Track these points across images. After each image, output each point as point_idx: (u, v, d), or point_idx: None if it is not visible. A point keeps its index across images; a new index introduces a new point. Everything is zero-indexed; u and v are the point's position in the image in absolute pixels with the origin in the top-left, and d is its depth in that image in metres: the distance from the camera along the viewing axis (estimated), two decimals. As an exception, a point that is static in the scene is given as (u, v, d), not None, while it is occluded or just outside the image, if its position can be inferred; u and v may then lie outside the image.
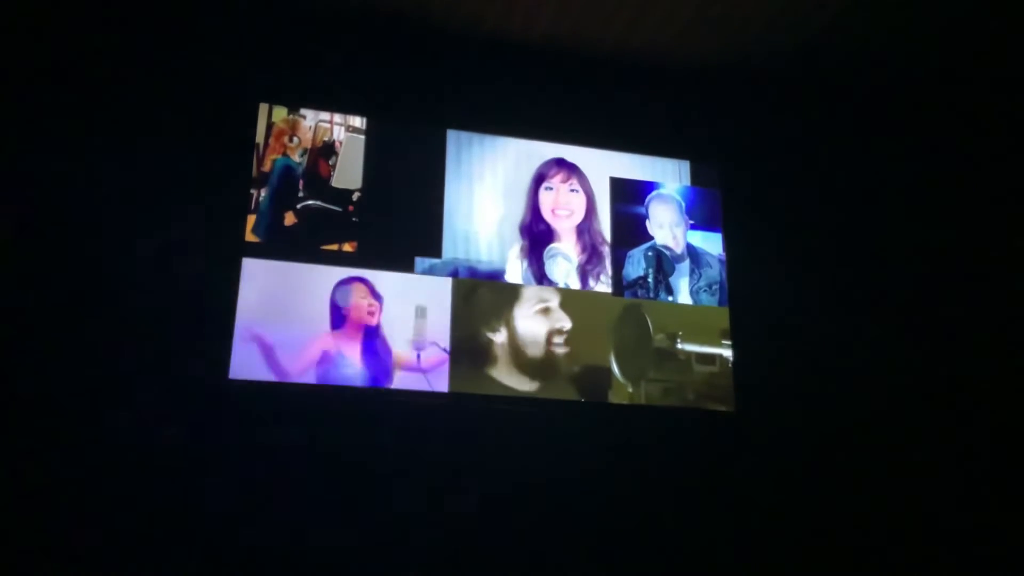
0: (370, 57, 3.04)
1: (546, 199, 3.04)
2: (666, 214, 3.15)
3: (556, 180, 3.05)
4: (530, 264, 2.96)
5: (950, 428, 3.11)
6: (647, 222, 3.13)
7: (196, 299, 2.62)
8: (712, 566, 2.79)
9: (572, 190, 3.06)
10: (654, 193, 3.16)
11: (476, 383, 2.78)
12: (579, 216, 3.05)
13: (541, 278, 2.95)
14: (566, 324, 2.91)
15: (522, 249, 2.97)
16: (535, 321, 2.90)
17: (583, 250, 3.02)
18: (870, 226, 3.34)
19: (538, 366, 2.85)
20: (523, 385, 2.82)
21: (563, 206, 3.04)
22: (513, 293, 2.91)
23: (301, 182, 2.83)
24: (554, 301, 2.93)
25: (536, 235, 3.00)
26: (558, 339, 2.89)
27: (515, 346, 2.85)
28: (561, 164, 3.09)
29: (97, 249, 2.60)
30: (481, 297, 2.87)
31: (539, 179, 3.05)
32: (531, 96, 3.18)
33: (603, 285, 3.01)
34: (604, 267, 3.02)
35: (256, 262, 2.70)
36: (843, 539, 2.92)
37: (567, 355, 2.88)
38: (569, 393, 2.85)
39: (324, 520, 2.54)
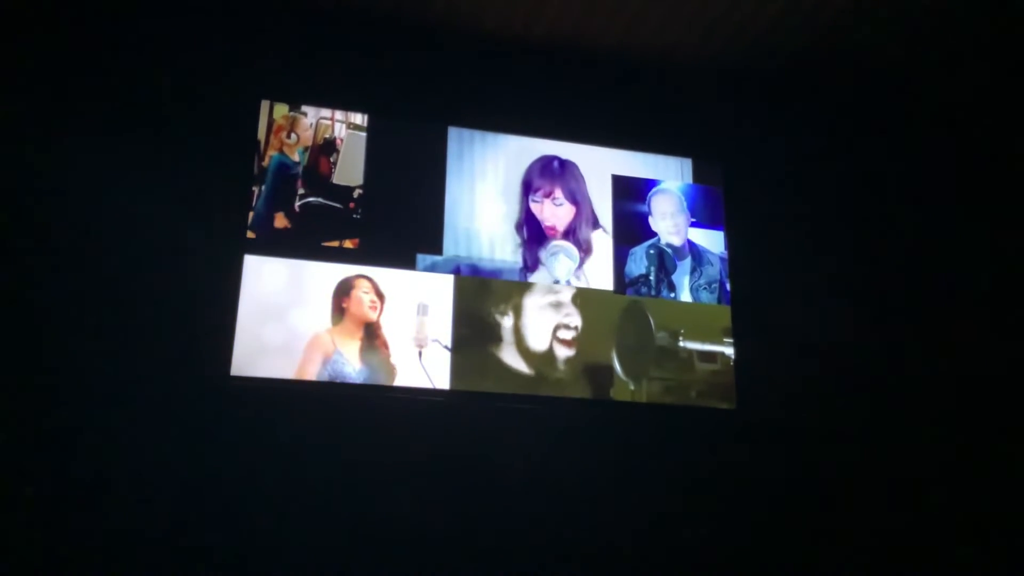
0: (371, 54, 3.03)
1: (535, 208, 3.03)
2: (668, 206, 3.15)
3: (540, 194, 3.04)
4: (527, 261, 2.95)
5: (951, 426, 3.11)
6: (649, 218, 3.13)
7: (198, 296, 2.62)
8: (713, 564, 2.78)
9: (556, 203, 3.04)
10: (656, 188, 3.16)
11: (480, 363, 2.78)
12: (564, 224, 3.03)
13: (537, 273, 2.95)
14: (575, 320, 2.92)
15: (518, 247, 2.96)
16: (544, 311, 2.90)
17: (577, 251, 3.02)
18: (872, 224, 3.34)
19: (541, 354, 2.86)
20: (525, 368, 2.82)
21: (548, 219, 3.03)
22: (524, 284, 2.92)
23: (300, 180, 2.82)
24: (566, 296, 2.94)
25: (531, 234, 2.99)
26: (565, 333, 2.89)
27: (520, 331, 2.86)
28: (545, 174, 3.06)
29: (98, 246, 2.59)
30: (493, 285, 2.88)
31: (527, 186, 3.04)
32: (533, 93, 3.17)
33: (599, 283, 3.00)
34: (598, 266, 3.02)
35: (257, 259, 2.70)
36: (844, 537, 2.92)
37: (571, 349, 2.88)
38: (571, 390, 2.85)
39: (325, 517, 2.54)
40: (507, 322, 2.86)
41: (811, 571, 2.85)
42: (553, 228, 3.02)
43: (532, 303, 2.90)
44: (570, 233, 3.03)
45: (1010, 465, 3.07)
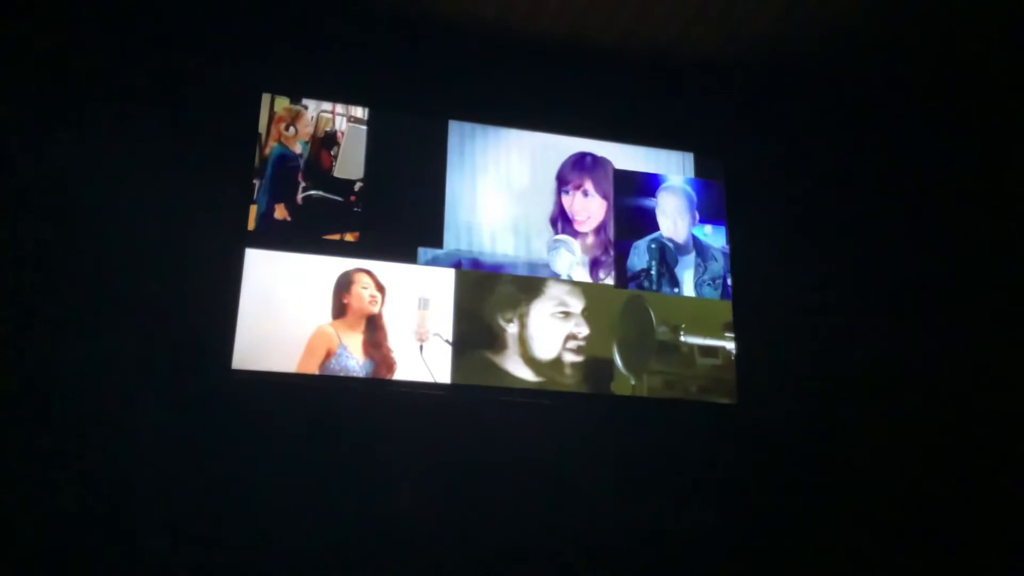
0: (372, 47, 3.03)
1: (566, 201, 3.05)
2: (671, 203, 3.15)
3: (570, 186, 3.05)
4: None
5: (951, 423, 3.11)
6: (658, 211, 3.13)
7: (199, 289, 2.61)
8: (713, 559, 2.79)
9: (585, 195, 3.05)
10: (664, 184, 3.16)
11: (482, 370, 2.78)
12: (598, 218, 3.05)
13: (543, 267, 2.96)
14: (583, 331, 2.91)
15: (553, 240, 2.99)
16: (553, 321, 2.89)
17: (596, 246, 3.02)
18: (873, 219, 3.34)
19: (549, 362, 2.85)
20: (530, 376, 2.82)
21: (579, 211, 3.04)
22: (535, 289, 2.91)
23: (300, 172, 2.81)
24: (575, 307, 2.93)
25: (562, 228, 3.01)
26: (572, 343, 2.89)
27: (527, 341, 2.85)
28: (576, 167, 3.08)
29: (99, 239, 2.58)
30: (501, 288, 2.87)
31: (560, 180, 3.06)
32: (534, 87, 3.17)
33: (610, 280, 3.01)
34: (612, 263, 3.02)
35: (259, 252, 2.70)
36: (844, 534, 2.92)
37: (580, 356, 2.89)
38: (572, 385, 2.85)
39: (327, 510, 2.54)
40: (512, 329, 2.85)
41: (811, 567, 2.85)
42: (583, 221, 3.03)
43: (539, 313, 2.89)
44: (601, 229, 3.03)
45: (1013, 464, 3.07)
